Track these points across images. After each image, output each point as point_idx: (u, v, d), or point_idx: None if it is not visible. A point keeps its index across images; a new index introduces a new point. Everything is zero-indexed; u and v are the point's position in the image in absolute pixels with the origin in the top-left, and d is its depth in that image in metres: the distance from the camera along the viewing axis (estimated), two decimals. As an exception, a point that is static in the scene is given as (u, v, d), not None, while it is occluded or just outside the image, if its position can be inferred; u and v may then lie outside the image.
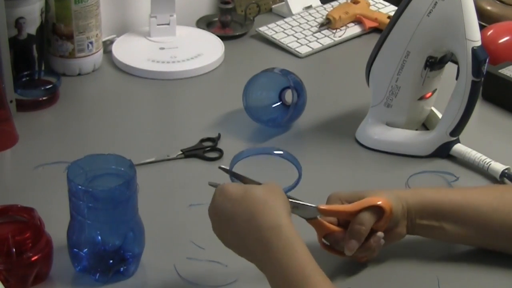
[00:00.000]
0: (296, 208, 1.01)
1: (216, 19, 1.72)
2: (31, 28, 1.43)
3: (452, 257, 1.10)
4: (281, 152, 1.13)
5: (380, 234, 1.03)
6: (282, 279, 0.90)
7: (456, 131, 1.29)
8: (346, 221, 1.04)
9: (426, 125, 1.38)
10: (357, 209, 1.02)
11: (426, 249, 1.10)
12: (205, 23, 1.71)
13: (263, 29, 1.69)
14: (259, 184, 1.00)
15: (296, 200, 1.02)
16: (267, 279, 0.92)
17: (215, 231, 0.98)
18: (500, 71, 1.47)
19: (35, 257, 1.01)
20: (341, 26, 1.71)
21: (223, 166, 1.07)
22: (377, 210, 1.02)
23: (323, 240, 1.05)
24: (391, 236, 1.06)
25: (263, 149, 1.27)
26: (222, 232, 0.97)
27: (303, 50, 1.64)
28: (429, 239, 1.09)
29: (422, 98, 1.32)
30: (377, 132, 1.34)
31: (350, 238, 1.02)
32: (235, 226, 0.94)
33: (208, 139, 1.34)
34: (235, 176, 1.05)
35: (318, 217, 1.02)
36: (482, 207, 1.06)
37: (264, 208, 0.93)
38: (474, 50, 1.22)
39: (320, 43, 1.66)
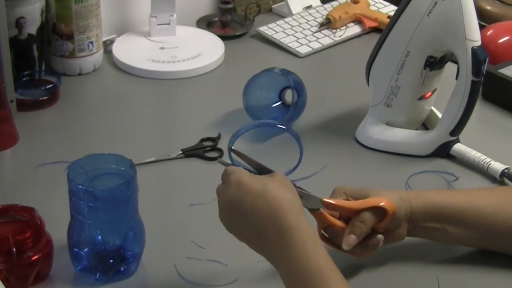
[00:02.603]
0: (300, 197, 1.01)
1: (216, 19, 1.72)
2: (32, 27, 1.43)
3: (452, 258, 1.10)
4: (283, 127, 1.12)
5: (380, 236, 1.03)
6: (298, 277, 0.90)
7: (456, 130, 1.30)
8: (347, 217, 1.04)
9: (426, 124, 1.38)
10: (360, 208, 1.02)
11: (426, 249, 1.10)
12: (205, 23, 1.72)
13: (263, 29, 1.69)
14: (265, 167, 1.00)
15: (302, 189, 1.02)
16: (280, 274, 0.92)
17: (223, 220, 0.97)
18: (500, 71, 1.47)
19: (36, 257, 1.01)
20: (341, 26, 1.71)
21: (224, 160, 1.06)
22: (379, 211, 1.02)
23: (322, 231, 1.05)
24: (392, 237, 1.06)
25: (265, 122, 1.27)
26: (234, 222, 0.96)
27: (303, 50, 1.64)
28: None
29: (422, 97, 1.32)
30: (377, 132, 1.34)
31: (349, 233, 1.02)
32: (253, 220, 0.93)
33: (208, 139, 1.34)
34: (240, 156, 1.04)
35: (321, 208, 1.03)
36: (485, 209, 1.06)
37: (285, 205, 0.93)
38: (474, 50, 1.22)
39: (320, 43, 1.66)
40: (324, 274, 0.90)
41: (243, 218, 0.94)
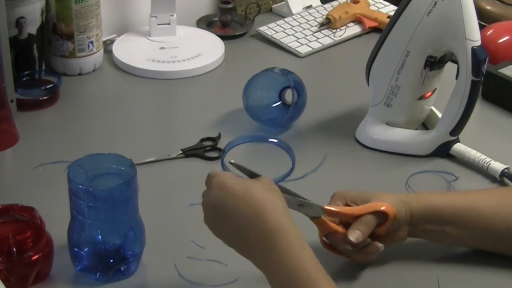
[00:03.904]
0: (301, 206, 1.01)
1: (216, 19, 1.73)
2: (32, 27, 1.44)
3: (452, 257, 1.10)
4: (275, 140, 1.13)
5: (380, 245, 1.04)
6: (286, 281, 0.89)
7: (456, 130, 1.30)
8: (349, 222, 1.04)
9: (426, 124, 1.39)
10: (361, 213, 1.02)
11: (426, 248, 1.10)
12: (205, 23, 1.72)
13: (263, 28, 1.69)
14: (257, 174, 0.99)
15: (302, 198, 1.02)
16: (267, 278, 0.92)
17: (207, 222, 0.96)
18: (499, 70, 1.47)
19: (36, 257, 1.01)
20: (341, 26, 1.71)
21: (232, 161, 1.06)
22: (380, 215, 1.02)
23: (324, 238, 1.05)
24: (392, 239, 1.06)
25: (257, 137, 1.27)
26: (218, 226, 0.96)
27: (303, 50, 1.64)
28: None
29: (422, 97, 1.32)
30: (377, 132, 1.34)
31: (354, 229, 1.01)
32: (236, 223, 0.93)
33: (208, 139, 1.34)
34: (239, 169, 1.04)
35: (322, 216, 1.03)
36: (484, 211, 1.06)
37: (268, 207, 0.92)
38: (473, 50, 1.22)
39: (320, 43, 1.66)
40: (312, 279, 0.89)
41: (226, 221, 0.94)
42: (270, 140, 1.13)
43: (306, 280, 0.88)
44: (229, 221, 0.94)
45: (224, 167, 1.07)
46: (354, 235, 1.01)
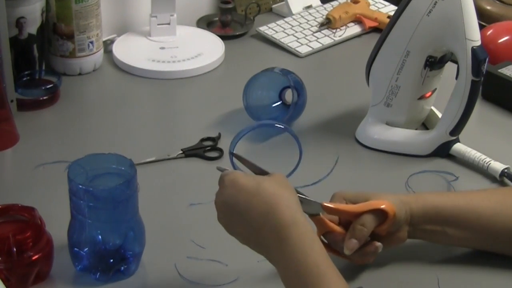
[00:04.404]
0: (300, 202, 1.01)
1: (217, 18, 1.73)
2: (32, 27, 1.44)
3: (452, 258, 1.10)
4: (281, 126, 1.13)
5: (378, 244, 1.04)
6: (296, 275, 0.90)
7: (456, 130, 1.30)
8: (347, 221, 1.04)
9: (426, 124, 1.39)
10: (360, 211, 1.02)
11: (426, 249, 1.10)
12: (205, 23, 1.72)
13: (263, 28, 1.69)
14: (266, 172, 0.99)
15: (301, 194, 1.02)
16: (279, 273, 0.92)
17: (221, 221, 0.97)
18: (499, 70, 1.47)
19: (36, 256, 1.01)
20: (341, 26, 1.71)
21: (235, 153, 1.06)
22: (380, 214, 1.02)
23: (322, 237, 1.05)
24: (393, 240, 1.06)
25: (264, 124, 1.27)
26: (232, 223, 0.96)
27: (303, 49, 1.64)
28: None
29: (422, 97, 1.32)
30: (377, 132, 1.34)
31: (350, 237, 1.02)
32: (249, 218, 0.93)
33: (209, 139, 1.34)
34: (241, 161, 1.04)
35: (321, 214, 1.03)
36: (484, 211, 1.06)
37: (281, 202, 0.93)
38: (473, 50, 1.22)
39: (320, 43, 1.66)
40: (321, 272, 0.90)
41: (240, 217, 0.94)
42: (277, 125, 1.14)
43: (315, 274, 0.89)
44: (243, 217, 0.94)
45: (231, 159, 1.07)
46: (350, 246, 1.01)
